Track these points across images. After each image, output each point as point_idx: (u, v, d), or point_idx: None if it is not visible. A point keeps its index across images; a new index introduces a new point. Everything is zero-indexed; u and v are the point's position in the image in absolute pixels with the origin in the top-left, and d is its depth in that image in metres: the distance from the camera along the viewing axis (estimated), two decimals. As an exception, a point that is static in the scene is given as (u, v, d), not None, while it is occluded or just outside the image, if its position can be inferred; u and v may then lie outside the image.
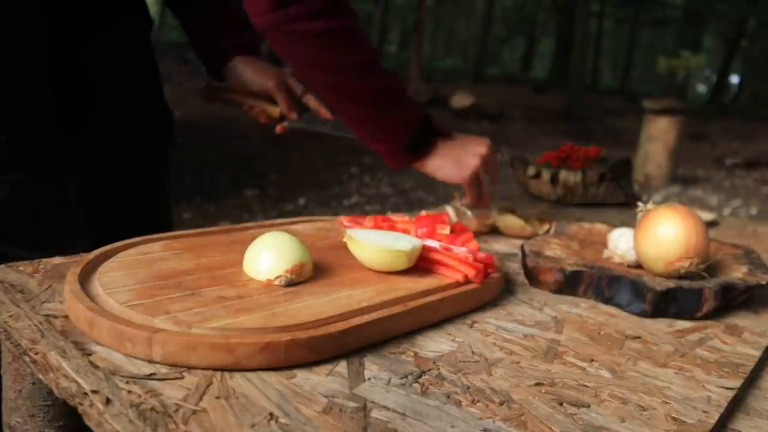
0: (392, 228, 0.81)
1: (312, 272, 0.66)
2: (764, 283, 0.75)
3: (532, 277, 0.79)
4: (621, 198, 1.43)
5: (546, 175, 1.40)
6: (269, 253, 0.63)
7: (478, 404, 0.49)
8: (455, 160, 0.92)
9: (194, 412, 0.43)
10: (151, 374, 0.47)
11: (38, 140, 0.83)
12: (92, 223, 0.97)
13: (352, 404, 0.46)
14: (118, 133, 0.95)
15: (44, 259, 0.69)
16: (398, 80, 0.89)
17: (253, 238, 0.67)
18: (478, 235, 1.04)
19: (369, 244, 0.68)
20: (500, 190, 1.06)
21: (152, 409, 0.42)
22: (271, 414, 0.44)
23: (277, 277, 0.62)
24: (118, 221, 0.97)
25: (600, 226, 0.98)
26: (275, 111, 1.04)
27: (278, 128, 1.05)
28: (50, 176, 0.85)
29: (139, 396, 0.44)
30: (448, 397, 0.49)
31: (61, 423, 0.61)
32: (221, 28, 1.02)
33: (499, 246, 0.99)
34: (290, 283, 0.63)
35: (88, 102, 0.90)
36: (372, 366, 0.53)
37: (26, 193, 0.82)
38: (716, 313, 0.73)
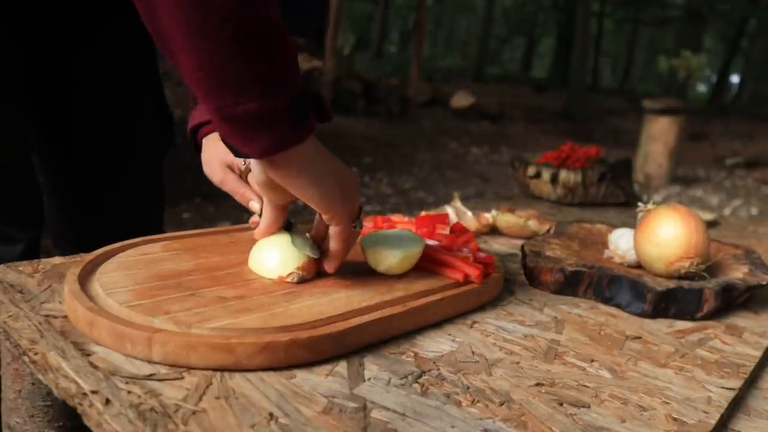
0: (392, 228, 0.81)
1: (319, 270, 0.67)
2: (765, 283, 0.75)
3: (532, 277, 0.79)
4: (621, 198, 1.43)
5: (546, 175, 1.40)
6: (280, 251, 0.64)
7: (478, 404, 0.49)
8: (338, 181, 0.59)
9: (194, 412, 0.43)
10: (150, 374, 0.47)
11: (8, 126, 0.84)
12: (66, 217, 0.98)
13: (352, 404, 0.46)
14: (102, 130, 0.95)
15: (44, 259, 0.69)
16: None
17: (253, 238, 0.67)
18: (478, 235, 1.04)
19: (368, 249, 0.67)
20: (500, 190, 1.03)
21: (152, 409, 0.42)
22: (271, 414, 0.44)
23: (290, 274, 0.62)
24: (90, 215, 0.98)
25: (600, 226, 0.98)
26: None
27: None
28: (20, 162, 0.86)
29: (139, 396, 0.44)
30: (448, 397, 0.49)
31: (61, 423, 0.61)
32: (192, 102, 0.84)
33: (499, 246, 0.99)
34: (302, 280, 0.63)
35: (68, 98, 0.91)
36: (372, 366, 0.53)
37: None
38: (716, 314, 0.73)
